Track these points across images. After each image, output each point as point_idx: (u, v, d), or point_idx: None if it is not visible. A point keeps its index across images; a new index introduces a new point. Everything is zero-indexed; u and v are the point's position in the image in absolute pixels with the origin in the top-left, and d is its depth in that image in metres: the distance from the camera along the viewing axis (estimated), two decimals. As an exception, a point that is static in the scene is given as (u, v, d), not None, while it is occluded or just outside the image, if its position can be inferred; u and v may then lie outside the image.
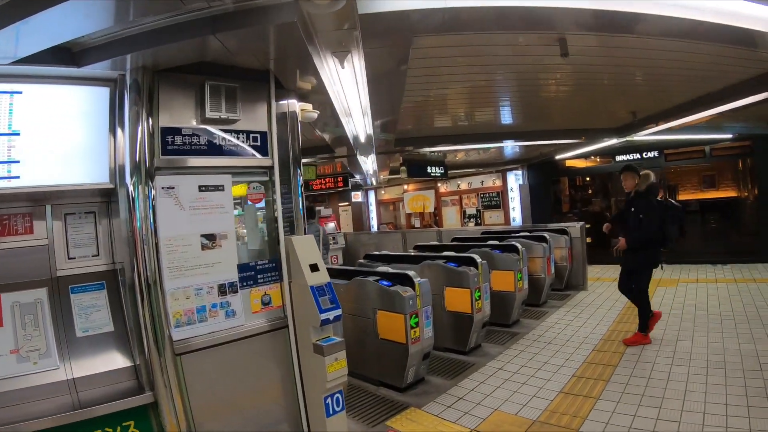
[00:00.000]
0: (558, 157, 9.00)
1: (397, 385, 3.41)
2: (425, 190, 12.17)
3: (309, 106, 2.73)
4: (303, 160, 6.73)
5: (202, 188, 2.22)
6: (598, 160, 9.36)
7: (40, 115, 1.97)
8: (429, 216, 12.38)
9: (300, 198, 2.53)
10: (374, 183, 10.61)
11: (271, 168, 2.41)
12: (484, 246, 5.20)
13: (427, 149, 6.71)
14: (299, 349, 2.42)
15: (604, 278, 7.38)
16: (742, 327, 4.16)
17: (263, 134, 2.39)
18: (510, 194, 10.43)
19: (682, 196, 8.77)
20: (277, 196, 2.40)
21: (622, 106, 5.30)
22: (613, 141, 6.85)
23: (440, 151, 7.36)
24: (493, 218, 10.79)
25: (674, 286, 6.27)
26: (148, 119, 2.05)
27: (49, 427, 1.83)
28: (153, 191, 2.05)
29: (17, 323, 1.98)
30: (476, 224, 11.01)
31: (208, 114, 2.15)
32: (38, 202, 2.07)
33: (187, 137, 2.16)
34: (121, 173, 2.05)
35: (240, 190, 2.42)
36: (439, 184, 11.85)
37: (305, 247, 2.37)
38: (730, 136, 7.43)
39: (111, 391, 2.09)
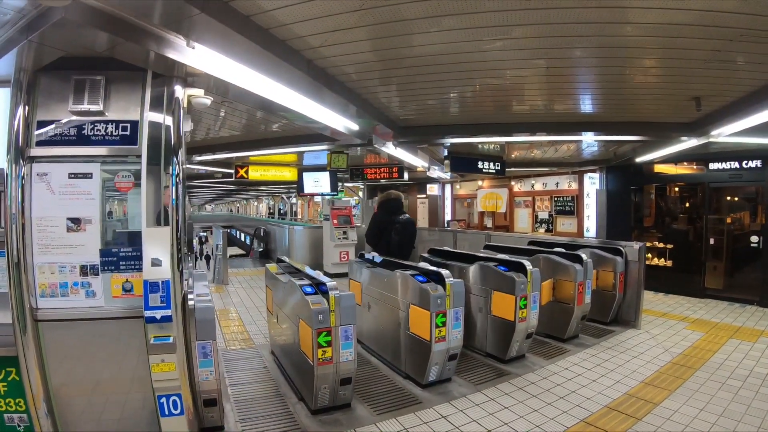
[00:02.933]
0: (639, 159, 7.95)
1: (310, 407, 3.59)
2: (498, 188, 11.84)
3: (200, 92, 3.08)
4: (320, 148, 7.26)
5: (72, 175, 2.78)
6: (695, 167, 7.96)
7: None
8: (502, 216, 12.02)
9: (174, 188, 2.89)
10: (443, 176, 10.59)
11: (141, 157, 2.84)
12: (491, 260, 4.89)
13: (453, 140, 6.42)
14: (151, 341, 2.83)
15: (671, 315, 6.46)
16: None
17: (134, 123, 2.84)
18: (586, 200, 9.72)
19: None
20: (143, 185, 2.82)
21: (688, 88, 4.26)
22: (693, 141, 5.48)
23: (497, 143, 6.96)
24: (565, 226, 10.16)
25: (753, 341, 5.16)
26: (25, 111, 2.69)
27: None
28: (23, 173, 2.69)
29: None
30: (547, 231, 10.54)
31: (71, 107, 2.70)
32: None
33: (59, 128, 2.76)
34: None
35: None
36: (512, 183, 11.40)
37: (156, 240, 2.75)
38: None
39: (4, 341, 2.85)
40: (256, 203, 37.15)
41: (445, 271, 4.06)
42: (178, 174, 2.92)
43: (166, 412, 2.71)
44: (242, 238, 22.87)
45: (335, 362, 3.43)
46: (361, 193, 15.77)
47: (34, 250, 2.75)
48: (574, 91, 4.77)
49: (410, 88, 4.49)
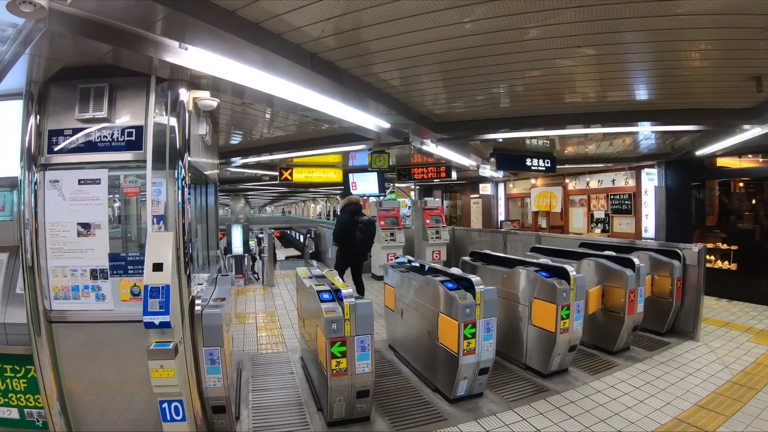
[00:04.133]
0: (699, 152, 7.25)
1: (326, 418, 3.46)
2: (552, 186, 11.23)
3: (206, 94, 3.05)
4: (357, 148, 7.14)
5: (81, 182, 2.87)
6: (761, 160, 7.28)
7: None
8: (557, 216, 11.50)
9: (180, 192, 2.89)
10: (495, 175, 10.18)
11: (146, 162, 2.86)
12: (533, 265, 4.52)
13: (500, 135, 6.01)
14: (157, 346, 2.84)
15: (734, 324, 5.78)
16: None
17: (139, 128, 2.87)
18: (644, 198, 9.06)
19: None
20: (148, 189, 2.84)
21: (746, 65, 3.64)
22: (756, 130, 4.70)
23: (547, 138, 6.47)
24: (622, 226, 9.51)
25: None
26: (36, 121, 2.81)
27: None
28: (36, 180, 2.80)
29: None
30: (603, 231, 9.96)
31: (77, 115, 2.78)
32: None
33: (68, 137, 2.86)
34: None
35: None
36: (567, 181, 10.76)
37: (157, 244, 2.74)
38: None
39: (23, 339, 2.98)
40: (313, 205, 38.17)
41: (475, 278, 3.76)
42: (183, 178, 2.91)
43: (168, 418, 2.71)
44: (300, 239, 23.57)
45: (350, 374, 3.27)
46: (413, 194, 15.58)
47: (48, 254, 2.87)
48: (626, 75, 4.28)
49: (446, 80, 4.23)
